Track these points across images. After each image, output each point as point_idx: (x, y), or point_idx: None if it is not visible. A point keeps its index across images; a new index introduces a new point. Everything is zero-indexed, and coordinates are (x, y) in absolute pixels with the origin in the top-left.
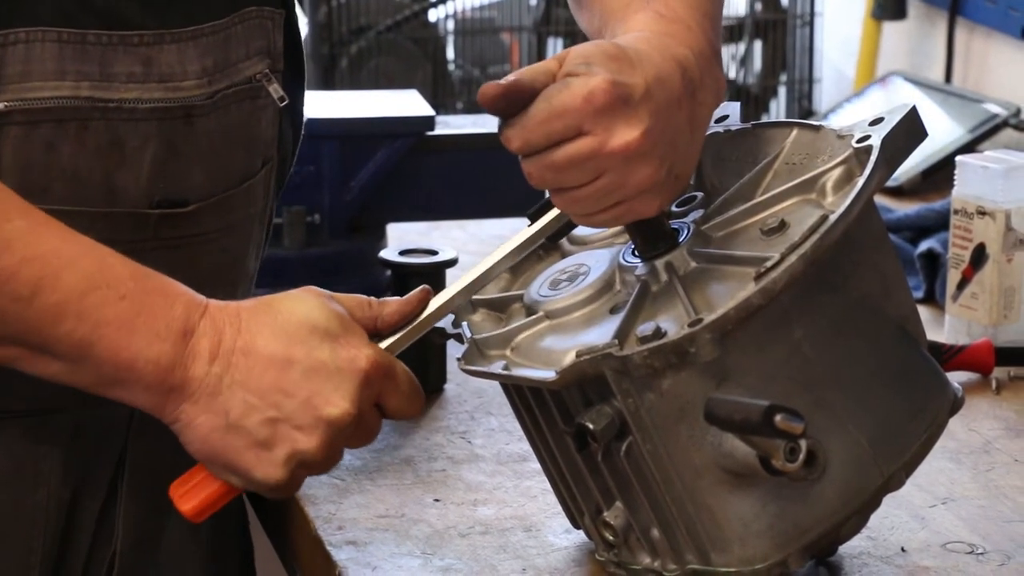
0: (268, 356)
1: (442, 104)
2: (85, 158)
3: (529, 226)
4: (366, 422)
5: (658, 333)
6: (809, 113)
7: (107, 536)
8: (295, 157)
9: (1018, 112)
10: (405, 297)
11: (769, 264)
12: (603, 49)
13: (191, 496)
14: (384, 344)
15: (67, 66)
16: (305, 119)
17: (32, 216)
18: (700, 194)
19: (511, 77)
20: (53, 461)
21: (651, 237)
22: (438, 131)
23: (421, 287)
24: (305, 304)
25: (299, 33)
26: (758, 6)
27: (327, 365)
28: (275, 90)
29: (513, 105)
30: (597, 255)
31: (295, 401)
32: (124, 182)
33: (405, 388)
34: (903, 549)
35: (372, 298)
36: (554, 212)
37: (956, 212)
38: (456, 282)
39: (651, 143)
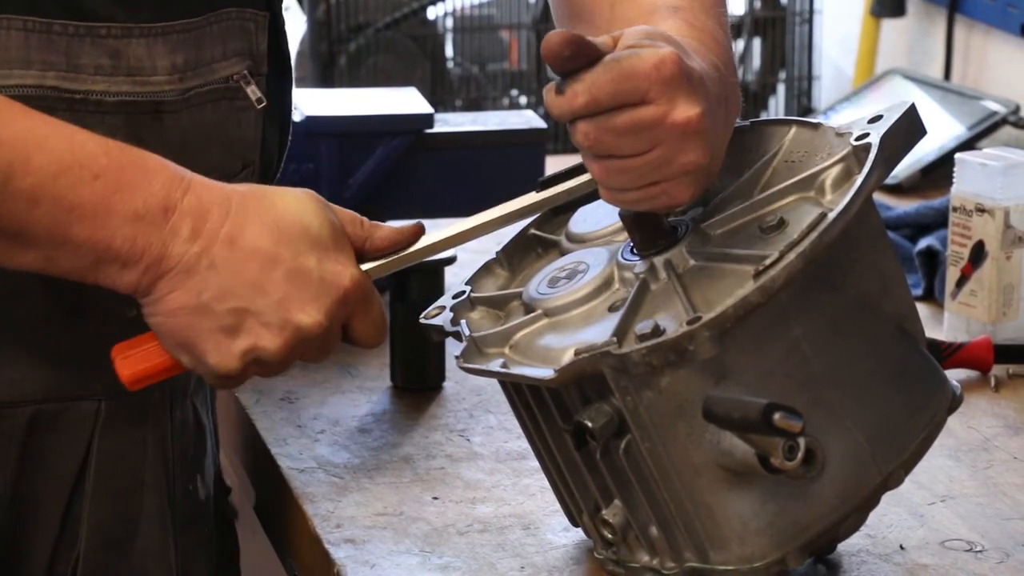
0: (253, 248)
1: (441, 102)
2: None
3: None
4: (326, 343)
5: (657, 331)
6: (808, 111)
7: (72, 536)
8: (282, 161)
9: (1017, 109)
10: (399, 226)
11: (768, 262)
12: (660, 33)
13: (133, 362)
14: (366, 266)
15: (33, 55)
16: (303, 117)
17: (3, 103)
18: None
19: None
20: (8, 454)
21: (650, 235)
22: (437, 129)
23: (416, 221)
24: (302, 205)
25: (286, 36)
26: (757, 3)
27: (311, 273)
28: (252, 91)
29: (578, 59)
30: (596, 253)
31: (270, 299)
32: None
33: (376, 316)
34: (902, 547)
35: (365, 219)
36: (565, 185)
37: (955, 210)
38: (450, 226)
39: (706, 125)
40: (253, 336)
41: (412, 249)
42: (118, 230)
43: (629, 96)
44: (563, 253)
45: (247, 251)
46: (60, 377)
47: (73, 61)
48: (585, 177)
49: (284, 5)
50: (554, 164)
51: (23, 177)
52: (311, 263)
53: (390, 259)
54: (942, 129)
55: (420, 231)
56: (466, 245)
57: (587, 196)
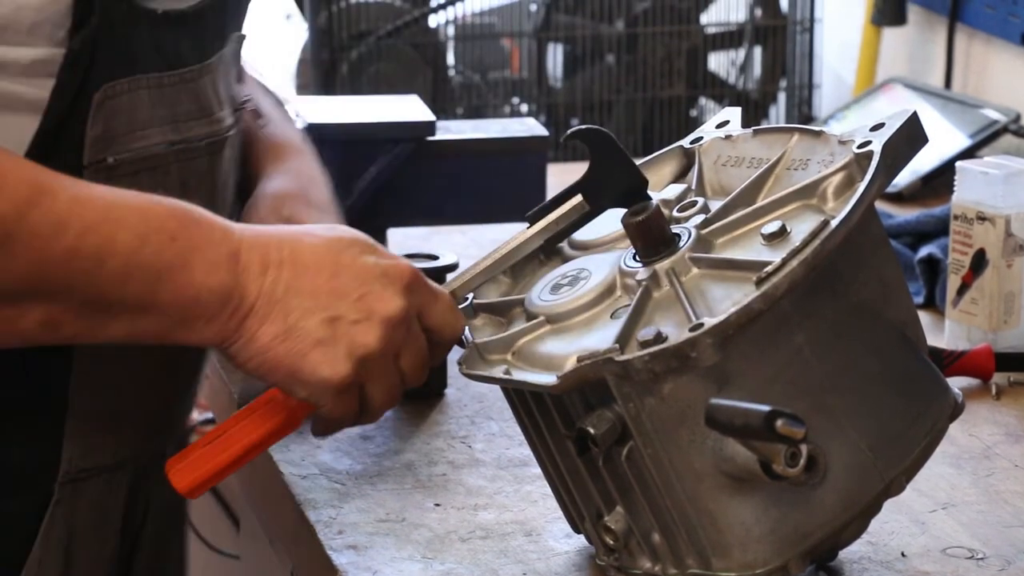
0: (316, 263)
1: (442, 109)
2: None
3: (528, 229)
4: (414, 334)
5: (659, 338)
6: (809, 119)
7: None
8: None
9: (1018, 118)
10: None
11: (770, 269)
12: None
13: (187, 472)
14: None
15: (155, 112)
16: (305, 125)
17: (75, 187)
18: (701, 199)
19: None
20: (118, 514)
21: (652, 242)
22: (438, 136)
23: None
24: (339, 227)
25: None
26: (758, 12)
27: (374, 268)
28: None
29: None
30: (598, 259)
31: (349, 300)
32: None
33: (446, 302)
34: (903, 554)
35: None
36: (554, 215)
37: (956, 218)
38: (447, 284)
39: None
40: (349, 336)
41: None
42: (202, 285)
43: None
44: (565, 260)
45: (312, 266)
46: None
47: (174, 110)
48: (573, 203)
49: (285, 13)
50: (555, 171)
51: (112, 258)
52: (370, 260)
53: None
54: (943, 137)
55: None
56: (469, 252)
57: (578, 222)
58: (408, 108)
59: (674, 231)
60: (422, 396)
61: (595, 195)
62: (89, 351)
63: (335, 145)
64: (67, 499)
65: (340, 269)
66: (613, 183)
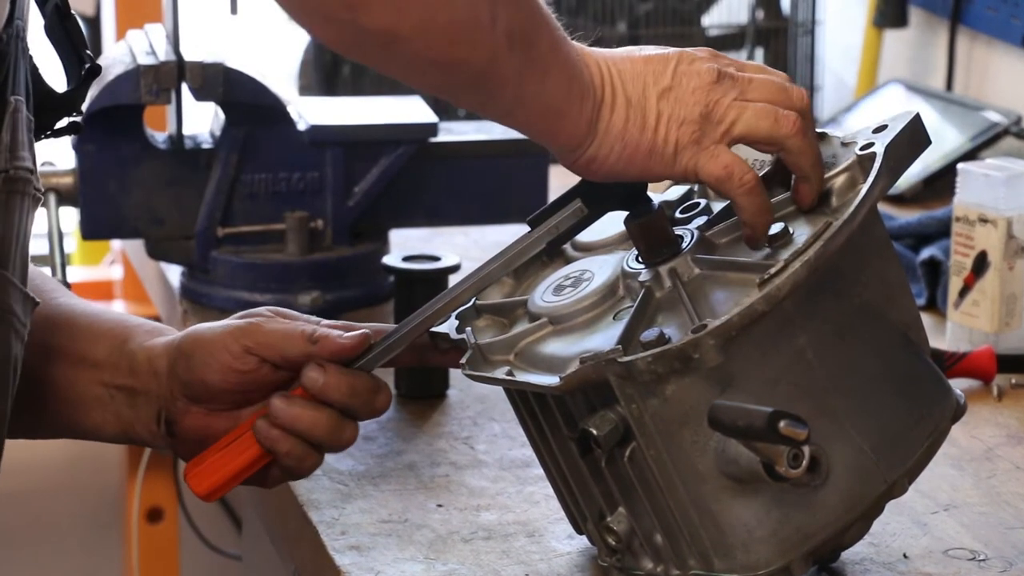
0: (626, 55)
1: (444, 111)
2: None
3: (529, 232)
4: (739, 79)
5: (662, 339)
6: None
7: None
8: None
9: (1019, 120)
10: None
11: (773, 271)
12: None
13: (204, 476)
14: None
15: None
16: (308, 126)
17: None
18: (704, 201)
19: None
20: None
21: (655, 243)
22: (441, 138)
23: (362, 332)
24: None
25: None
26: (759, 14)
27: (670, 50)
28: None
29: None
30: (601, 261)
31: (667, 73)
32: None
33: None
34: (905, 555)
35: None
36: (554, 220)
37: (958, 220)
38: (447, 291)
39: None
40: (679, 102)
41: (413, 325)
42: (581, 57)
43: None
44: (568, 261)
45: (624, 57)
46: None
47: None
48: (572, 207)
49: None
50: (557, 173)
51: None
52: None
53: (390, 343)
54: (944, 139)
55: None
56: (471, 253)
57: (578, 226)
58: (410, 110)
59: (677, 233)
60: (424, 397)
61: (594, 199)
62: None
63: (338, 147)
64: None
65: (648, 55)
66: (612, 186)
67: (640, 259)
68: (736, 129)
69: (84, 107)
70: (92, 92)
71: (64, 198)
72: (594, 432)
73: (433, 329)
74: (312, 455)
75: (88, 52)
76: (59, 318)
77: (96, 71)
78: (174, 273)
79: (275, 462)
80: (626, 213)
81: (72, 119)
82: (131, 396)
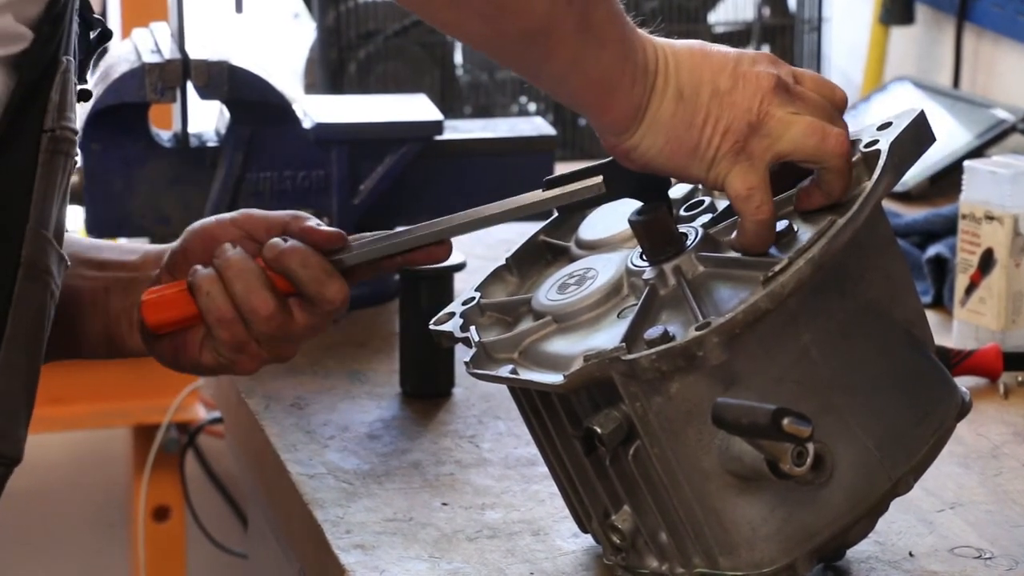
0: (687, 49)
1: (450, 109)
2: None
3: (543, 191)
4: (796, 92)
5: (666, 337)
6: None
7: None
8: None
9: None
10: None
11: (777, 268)
12: None
13: (160, 309)
14: (357, 253)
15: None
16: (314, 124)
17: None
18: (708, 199)
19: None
20: None
21: (659, 241)
22: (447, 135)
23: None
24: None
25: None
26: (766, 11)
27: (734, 52)
28: None
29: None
30: (605, 259)
31: (725, 73)
32: None
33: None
34: (911, 554)
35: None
36: (571, 187)
37: (964, 217)
38: (450, 217)
39: None
40: (732, 103)
41: (410, 236)
42: (637, 37)
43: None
44: (572, 259)
45: (685, 53)
46: None
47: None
48: (592, 181)
49: (293, 12)
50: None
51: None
52: (727, 47)
53: (366, 248)
54: (951, 137)
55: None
56: (476, 251)
57: (590, 201)
58: (416, 107)
59: (681, 230)
60: (429, 396)
61: (616, 180)
62: None
63: (343, 144)
64: None
65: (708, 51)
66: (639, 176)
67: (644, 257)
68: (781, 146)
69: (90, 105)
70: (97, 91)
71: (70, 196)
72: (598, 430)
73: (435, 328)
74: (240, 332)
75: (97, 17)
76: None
77: (108, 35)
78: None
79: (205, 328)
80: (630, 210)
81: (82, 87)
82: (125, 285)
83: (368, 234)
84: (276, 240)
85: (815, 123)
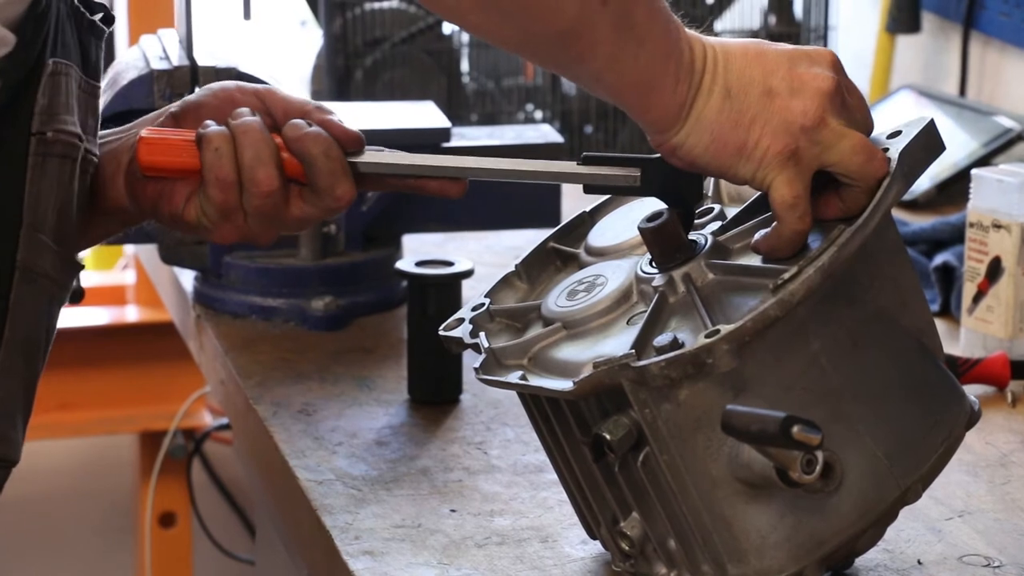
0: (742, 49)
1: (457, 116)
2: None
3: (577, 164)
4: (848, 106)
5: (675, 344)
6: None
7: None
8: None
9: None
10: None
11: (787, 276)
12: None
13: (159, 150)
14: (369, 157)
15: (72, 103)
16: None
17: None
18: (717, 206)
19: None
20: None
21: (669, 248)
22: (454, 143)
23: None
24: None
25: None
26: (772, 19)
27: (797, 51)
28: None
29: None
30: (614, 266)
31: (779, 74)
32: None
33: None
34: (919, 562)
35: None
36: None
37: (971, 225)
38: (474, 158)
39: None
40: (785, 107)
41: (429, 163)
42: (679, 29)
43: None
44: (582, 266)
45: (739, 52)
46: None
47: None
48: (628, 171)
49: (300, 19)
50: None
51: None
52: (789, 46)
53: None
54: (957, 145)
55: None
56: (484, 259)
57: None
58: (423, 114)
59: (690, 238)
60: (437, 402)
61: (653, 177)
62: None
63: None
64: None
65: (764, 50)
66: (674, 177)
67: (654, 264)
68: (829, 156)
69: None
70: (106, 97)
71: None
72: (607, 437)
73: (445, 333)
74: (234, 199)
75: (99, 1)
76: None
77: (111, 20)
78: (187, 278)
79: (201, 184)
80: (639, 217)
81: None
82: (117, 145)
83: (388, 150)
84: (299, 121)
85: (864, 141)
